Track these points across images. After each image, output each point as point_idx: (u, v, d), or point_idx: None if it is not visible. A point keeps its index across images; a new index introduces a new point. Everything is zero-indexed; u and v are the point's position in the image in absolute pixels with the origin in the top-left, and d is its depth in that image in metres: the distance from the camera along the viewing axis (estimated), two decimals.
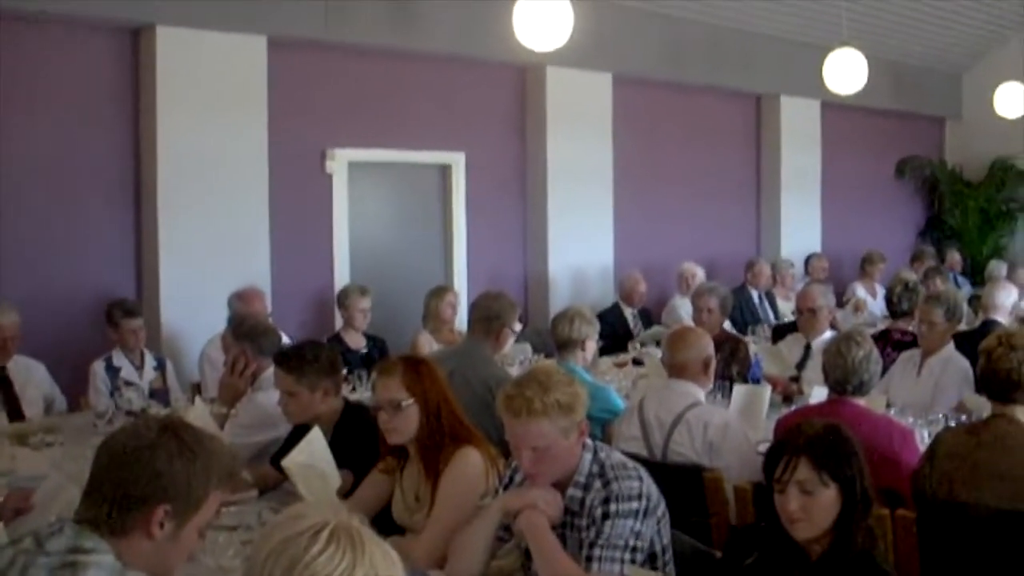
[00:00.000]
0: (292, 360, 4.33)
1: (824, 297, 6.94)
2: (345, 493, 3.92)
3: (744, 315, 9.73)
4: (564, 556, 3.17)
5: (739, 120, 12.07)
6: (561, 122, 9.85)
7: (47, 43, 7.19)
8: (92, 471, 2.38)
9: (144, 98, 7.54)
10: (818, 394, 5.25)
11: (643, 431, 4.73)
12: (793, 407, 5.54)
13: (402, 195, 9.27)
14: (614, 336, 8.37)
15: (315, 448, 3.97)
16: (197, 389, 6.67)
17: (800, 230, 12.30)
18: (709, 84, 11.21)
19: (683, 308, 9.02)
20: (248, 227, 7.86)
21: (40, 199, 7.19)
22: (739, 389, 5.62)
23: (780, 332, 7.88)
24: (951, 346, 6.07)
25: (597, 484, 3.21)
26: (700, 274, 9.70)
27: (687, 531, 3.55)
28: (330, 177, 8.58)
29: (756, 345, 7.27)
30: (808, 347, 6.68)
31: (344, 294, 7.72)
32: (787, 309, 10.03)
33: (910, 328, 6.82)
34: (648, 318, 9.51)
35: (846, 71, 8.48)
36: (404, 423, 3.65)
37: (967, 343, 5.83)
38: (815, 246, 12.26)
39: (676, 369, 4.83)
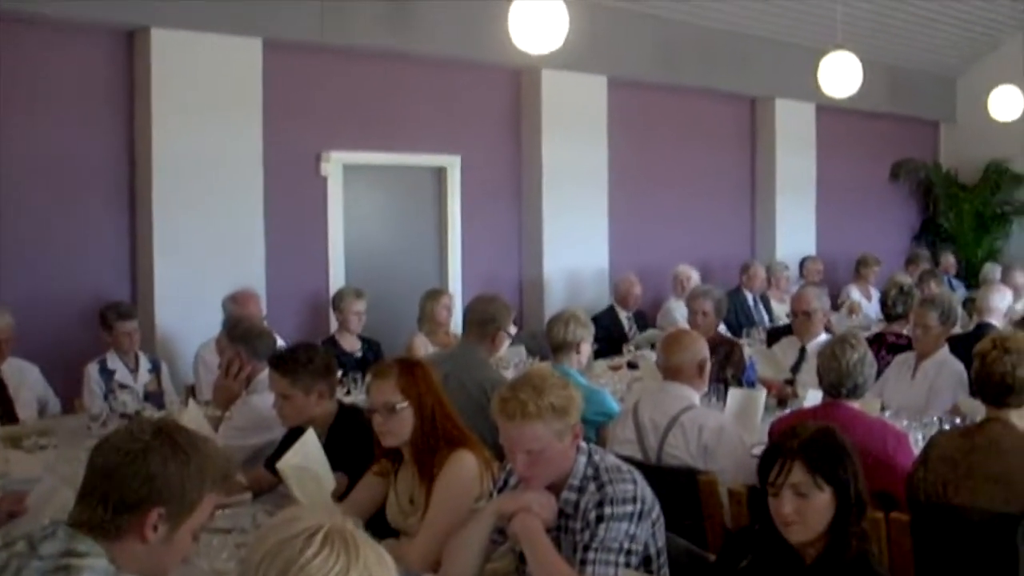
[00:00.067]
0: (287, 363, 4.32)
1: (819, 300, 6.94)
2: (339, 496, 3.91)
3: (739, 318, 9.74)
4: (558, 559, 3.17)
5: (734, 123, 12.08)
6: (556, 125, 9.86)
7: (42, 45, 7.18)
8: (86, 474, 2.38)
9: (139, 100, 7.52)
10: (812, 397, 5.24)
11: (638, 434, 4.73)
12: (788, 410, 5.54)
13: (397, 198, 9.26)
14: (609, 339, 8.37)
15: (309, 451, 3.96)
16: (191, 392, 6.67)
17: (795, 233, 12.31)
18: (704, 87, 11.21)
19: (678, 311, 9.03)
20: (243, 229, 7.85)
21: (34, 201, 7.17)
22: (734, 393, 5.62)
23: (775, 335, 7.89)
24: (945, 349, 6.08)
25: (591, 487, 3.21)
26: (695, 277, 9.70)
27: (681, 534, 3.55)
28: (325, 180, 8.58)
29: (751, 348, 7.28)
30: (803, 350, 6.68)
31: (339, 297, 7.72)
32: (782, 312, 10.04)
33: (905, 331, 6.83)
34: (643, 321, 9.52)
35: (841, 74, 8.48)
36: (399, 426, 3.65)
37: (961, 346, 5.83)
38: (810, 249, 12.27)
39: (671, 372, 4.83)
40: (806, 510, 2.81)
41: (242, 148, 7.83)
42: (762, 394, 5.69)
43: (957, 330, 6.60)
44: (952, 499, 3.81)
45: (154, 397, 6.63)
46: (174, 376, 7.15)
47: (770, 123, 12.12)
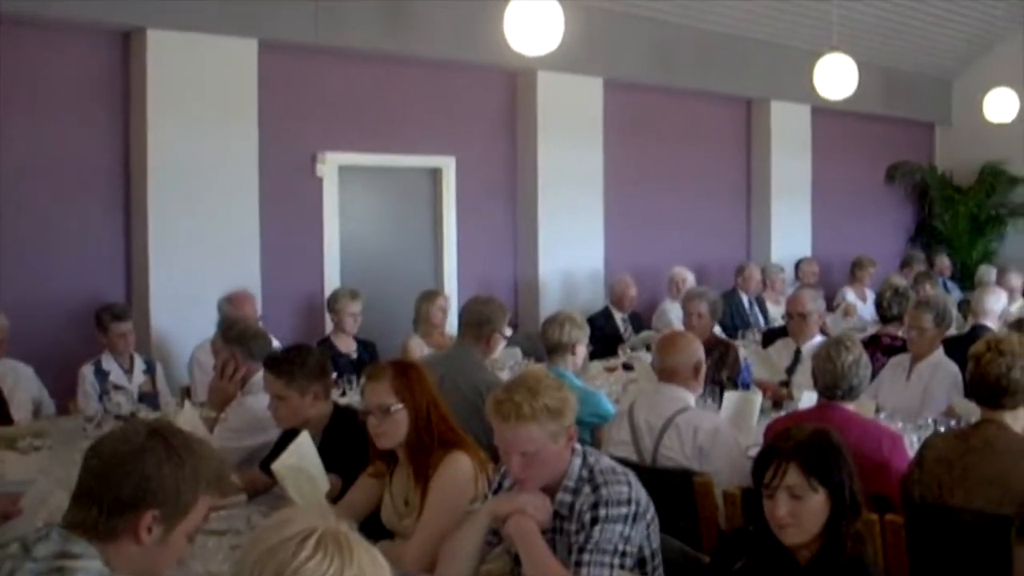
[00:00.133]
0: (282, 364, 4.32)
1: (814, 302, 6.94)
2: (334, 497, 3.91)
3: (734, 319, 9.75)
4: (553, 561, 3.17)
5: (729, 124, 12.08)
6: (552, 126, 9.86)
7: (36, 46, 7.17)
8: (80, 475, 2.37)
9: (135, 101, 7.52)
10: (808, 399, 5.24)
11: (633, 435, 4.73)
12: (783, 412, 5.55)
13: (392, 199, 9.26)
14: (604, 340, 8.37)
15: (304, 452, 3.96)
16: (187, 393, 6.65)
17: (790, 235, 12.32)
18: (699, 88, 11.21)
19: (673, 312, 9.03)
20: (238, 231, 7.84)
21: (29, 201, 7.16)
22: (730, 396, 5.62)
23: (770, 337, 7.90)
24: (940, 351, 6.09)
25: (586, 489, 3.21)
26: (690, 278, 9.71)
27: (676, 536, 3.55)
28: (320, 181, 8.57)
29: (746, 349, 7.28)
30: (798, 352, 6.68)
31: (334, 298, 7.71)
32: (777, 313, 10.05)
33: (900, 333, 6.83)
34: (638, 322, 9.52)
35: (836, 76, 8.49)
36: (393, 428, 3.64)
37: (956, 348, 5.84)
38: (805, 251, 12.28)
39: (666, 373, 4.83)
40: (801, 512, 2.82)
41: (238, 149, 7.82)
42: (758, 397, 5.69)
43: (952, 332, 6.61)
44: (947, 501, 3.81)
45: (149, 398, 6.63)
46: (169, 377, 7.15)
47: (766, 125, 12.12)
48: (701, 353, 4.90)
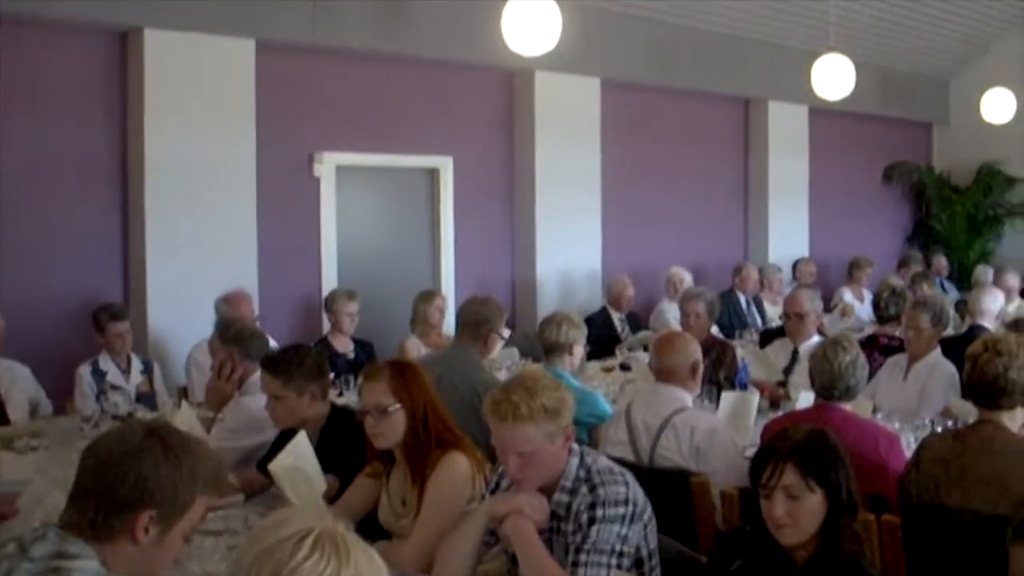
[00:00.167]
0: (279, 364, 4.32)
1: (811, 302, 6.95)
2: (331, 498, 3.91)
3: (732, 320, 9.75)
4: (550, 561, 3.17)
5: (727, 125, 12.09)
6: (549, 126, 9.86)
7: (34, 45, 7.16)
8: (77, 476, 2.37)
9: (132, 101, 7.51)
10: (805, 399, 5.25)
11: (630, 436, 4.73)
12: (780, 412, 5.55)
13: (390, 199, 9.26)
14: (602, 340, 8.37)
15: (301, 452, 3.96)
16: (184, 393, 6.66)
17: (788, 235, 12.33)
18: (697, 89, 11.22)
19: (671, 312, 9.03)
20: (236, 231, 7.84)
21: (27, 202, 7.15)
22: (727, 396, 5.62)
23: (767, 337, 7.90)
24: (938, 351, 6.09)
25: (584, 489, 3.21)
26: (688, 278, 9.71)
27: (674, 536, 3.55)
28: (318, 181, 8.57)
29: (743, 350, 7.28)
30: (795, 352, 6.68)
31: (332, 298, 7.71)
32: (774, 314, 10.04)
33: (897, 333, 6.84)
34: (636, 322, 9.52)
35: (834, 76, 8.50)
36: (391, 428, 3.64)
37: (954, 348, 5.84)
38: (803, 251, 12.28)
39: (663, 374, 4.83)
40: (798, 512, 2.82)
41: (235, 149, 7.82)
42: (755, 397, 5.69)
43: (949, 332, 6.62)
44: (944, 501, 3.81)
45: (146, 398, 6.63)
46: (166, 377, 7.14)
47: (763, 125, 12.13)
48: (698, 353, 4.90)
